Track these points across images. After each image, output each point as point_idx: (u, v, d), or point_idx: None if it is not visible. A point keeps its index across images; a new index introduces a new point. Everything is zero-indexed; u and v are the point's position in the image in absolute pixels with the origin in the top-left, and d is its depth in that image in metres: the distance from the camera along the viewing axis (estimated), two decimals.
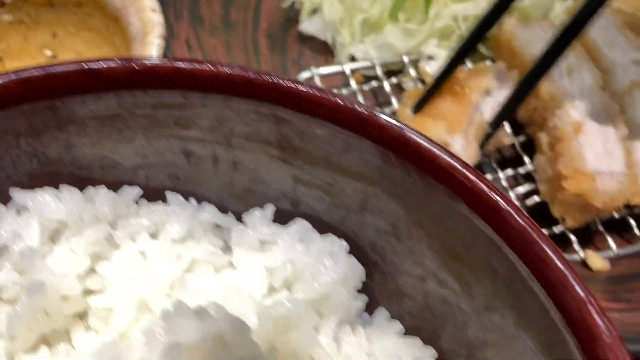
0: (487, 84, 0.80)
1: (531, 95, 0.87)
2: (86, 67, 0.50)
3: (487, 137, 0.79)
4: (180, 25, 0.85)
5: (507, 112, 0.79)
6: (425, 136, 0.49)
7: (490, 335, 0.49)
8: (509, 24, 0.92)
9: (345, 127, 0.50)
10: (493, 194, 0.46)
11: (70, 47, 0.91)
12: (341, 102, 0.50)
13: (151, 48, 0.75)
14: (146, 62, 0.50)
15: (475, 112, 0.78)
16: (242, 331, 0.43)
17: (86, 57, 0.91)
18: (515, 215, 0.45)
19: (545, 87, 0.85)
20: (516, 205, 0.46)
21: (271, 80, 0.51)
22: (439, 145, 0.48)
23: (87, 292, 0.52)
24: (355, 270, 0.54)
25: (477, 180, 0.46)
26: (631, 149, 0.81)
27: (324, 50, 1.02)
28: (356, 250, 0.56)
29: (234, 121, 0.53)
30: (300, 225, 0.55)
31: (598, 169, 0.76)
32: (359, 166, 0.52)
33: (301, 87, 0.51)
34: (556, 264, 0.44)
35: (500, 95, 0.81)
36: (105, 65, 0.50)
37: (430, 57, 0.95)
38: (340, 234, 0.56)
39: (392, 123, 0.49)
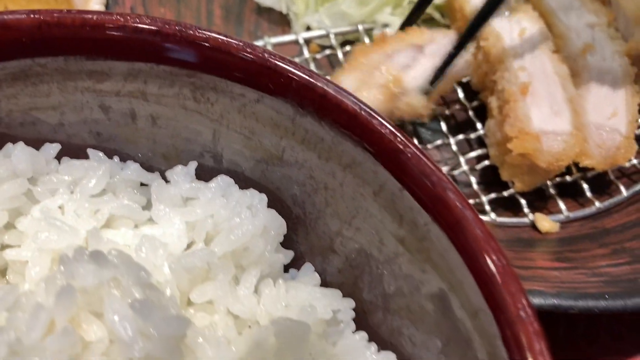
0: (416, 41, 0.80)
1: (482, 59, 0.87)
2: None
3: (426, 92, 0.78)
4: None
5: (444, 65, 0.79)
6: (332, 83, 0.48)
7: (401, 282, 0.48)
8: None
9: (257, 77, 0.50)
10: (398, 138, 0.46)
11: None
12: (250, 52, 0.50)
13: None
14: (54, 13, 0.50)
15: (387, 62, 0.78)
16: (141, 276, 0.43)
17: None
18: (419, 157, 0.45)
19: (495, 49, 0.84)
20: (419, 148, 0.45)
21: (179, 29, 0.50)
22: (345, 91, 0.48)
23: (5, 247, 0.52)
24: (276, 224, 0.54)
25: (381, 126, 0.46)
26: (580, 111, 0.80)
27: (281, 22, 1.02)
28: (279, 204, 0.56)
29: (147, 73, 0.52)
30: (222, 181, 0.55)
31: (543, 129, 0.75)
32: (273, 116, 0.51)
33: (211, 35, 0.50)
34: (456, 205, 0.43)
35: (438, 61, 0.80)
36: (13, 17, 0.50)
37: (384, 25, 0.94)
38: (263, 188, 0.55)
39: (299, 71, 0.49)
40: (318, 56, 0.93)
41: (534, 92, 0.78)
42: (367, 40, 0.95)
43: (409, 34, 0.81)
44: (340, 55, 0.92)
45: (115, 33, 0.50)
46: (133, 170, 0.56)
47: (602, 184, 0.84)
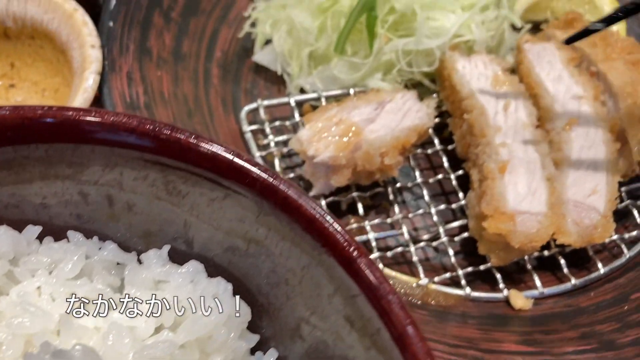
0: (377, 99, 0.83)
1: (466, 131, 0.89)
2: None
3: None
4: (124, 58, 0.88)
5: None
6: (294, 186, 0.51)
7: None
8: (450, 56, 0.94)
9: (224, 176, 0.53)
10: (352, 247, 0.48)
11: (27, 77, 0.95)
12: (219, 152, 0.52)
13: (86, 83, 0.78)
14: (37, 110, 0.53)
15: (347, 115, 0.81)
16: None
17: (42, 87, 0.95)
18: (371, 268, 0.47)
19: (478, 122, 0.86)
20: (370, 260, 0.47)
21: (152, 128, 0.53)
22: (306, 196, 0.50)
23: None
24: (241, 311, 0.56)
25: (337, 233, 0.48)
26: (559, 187, 0.81)
27: (277, 81, 1.05)
28: (245, 291, 0.58)
29: (123, 166, 0.55)
30: (192, 267, 0.58)
31: (518, 209, 0.76)
32: (239, 212, 0.54)
33: (181, 136, 0.53)
34: (399, 320, 0.45)
35: (401, 116, 0.83)
36: None
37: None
38: (230, 275, 0.58)
39: (264, 174, 0.51)
40: None
41: (512, 170, 0.80)
42: None
43: (369, 93, 0.84)
44: None
45: (93, 130, 0.53)
46: (110, 250, 0.59)
47: (580, 259, 0.85)
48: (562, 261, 0.83)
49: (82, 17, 0.85)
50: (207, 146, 0.53)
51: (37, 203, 0.59)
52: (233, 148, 0.53)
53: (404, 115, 0.82)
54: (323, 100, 0.97)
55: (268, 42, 1.05)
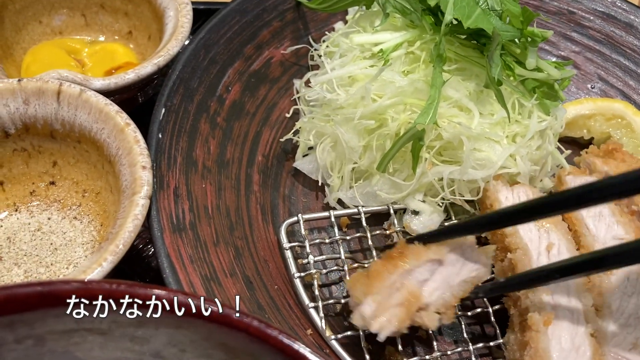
0: (435, 255, 0.82)
1: (507, 268, 0.88)
2: (44, 290, 0.52)
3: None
4: (172, 173, 0.88)
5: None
6: None
7: None
8: (494, 185, 0.94)
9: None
10: None
11: (68, 175, 0.95)
12: (289, 343, 0.52)
13: (136, 209, 0.78)
14: (103, 285, 0.53)
15: (405, 280, 0.79)
16: None
17: (83, 187, 0.95)
18: None
19: (521, 263, 0.85)
20: None
21: (217, 312, 0.53)
22: None
23: None
24: None
25: None
26: (601, 339, 0.81)
27: (315, 188, 1.05)
28: None
29: (186, 344, 0.55)
30: None
31: None
32: None
33: (249, 322, 0.53)
34: None
35: (458, 269, 0.82)
36: (63, 288, 0.53)
37: (414, 212, 0.96)
38: None
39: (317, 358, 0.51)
40: (348, 237, 0.96)
41: (556, 322, 0.79)
42: (396, 221, 0.97)
43: (428, 247, 0.83)
44: (370, 239, 0.94)
45: (159, 309, 0.53)
46: None
47: None
48: None
49: (134, 133, 0.85)
50: (276, 336, 0.52)
51: None
52: (301, 342, 0.53)
53: (462, 267, 0.81)
54: (362, 215, 0.96)
55: (309, 149, 1.05)
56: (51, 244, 0.90)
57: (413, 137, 0.90)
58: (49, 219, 0.93)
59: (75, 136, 0.91)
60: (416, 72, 0.96)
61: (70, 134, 0.91)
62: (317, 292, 0.89)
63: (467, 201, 0.97)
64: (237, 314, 0.53)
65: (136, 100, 1.10)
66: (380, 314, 0.76)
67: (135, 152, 0.83)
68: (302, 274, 0.90)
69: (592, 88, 1.24)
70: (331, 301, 0.90)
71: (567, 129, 1.16)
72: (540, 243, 0.88)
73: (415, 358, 0.84)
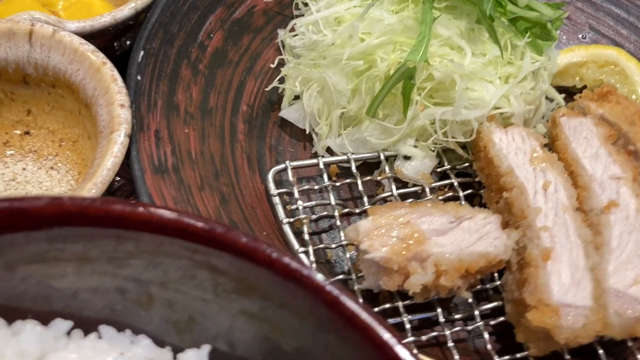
0: (454, 213, 0.78)
1: (504, 208, 0.86)
2: (15, 206, 0.48)
3: None
4: (152, 116, 0.84)
5: None
6: (363, 307, 0.47)
7: None
8: (487, 127, 0.91)
9: (282, 283, 0.49)
10: None
11: (43, 124, 0.91)
12: (279, 258, 0.48)
13: (114, 147, 0.74)
14: (77, 201, 0.49)
15: (415, 219, 0.76)
16: None
17: (60, 136, 0.91)
18: None
19: (518, 202, 0.83)
20: None
21: (206, 228, 0.49)
22: (372, 313, 0.46)
23: None
24: None
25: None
26: (601, 277, 0.78)
27: (302, 137, 1.01)
28: None
29: (168, 264, 0.51)
30: None
31: (563, 302, 0.73)
32: (295, 323, 0.50)
33: (238, 237, 0.49)
34: None
35: (474, 240, 0.77)
36: (34, 205, 0.49)
37: (406, 157, 0.93)
38: None
39: (327, 287, 0.47)
40: (338, 184, 0.92)
41: (555, 257, 0.77)
42: (387, 168, 0.94)
43: (448, 204, 0.79)
44: (360, 185, 0.91)
45: (139, 227, 0.49)
46: (144, 347, 0.55)
47: (619, 349, 0.82)
48: (601, 351, 0.80)
49: (110, 71, 0.81)
50: (265, 250, 0.49)
51: (68, 295, 0.54)
52: (290, 255, 0.49)
53: (479, 238, 0.77)
54: (352, 162, 0.93)
55: (295, 98, 1.02)
56: (26, 193, 0.86)
57: (404, 76, 0.87)
58: (24, 169, 0.89)
59: (50, 80, 0.86)
60: (405, 11, 0.93)
61: (44, 78, 0.86)
62: (307, 237, 0.85)
63: (460, 146, 0.94)
64: (221, 228, 0.49)
65: (113, 50, 1.06)
66: (376, 236, 0.73)
67: (113, 91, 0.79)
68: (291, 220, 0.87)
69: (583, 38, 1.22)
70: (321, 246, 0.86)
71: (559, 77, 1.14)
72: (537, 182, 0.85)
73: (408, 301, 0.81)
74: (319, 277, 0.48)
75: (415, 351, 0.76)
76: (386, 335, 0.46)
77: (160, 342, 0.56)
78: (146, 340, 0.55)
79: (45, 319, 0.53)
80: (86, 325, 0.55)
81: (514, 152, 0.89)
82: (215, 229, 0.49)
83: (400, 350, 0.45)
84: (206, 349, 0.54)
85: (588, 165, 0.89)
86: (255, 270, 0.50)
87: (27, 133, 0.91)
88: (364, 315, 0.47)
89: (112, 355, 0.53)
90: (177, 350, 0.55)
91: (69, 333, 0.54)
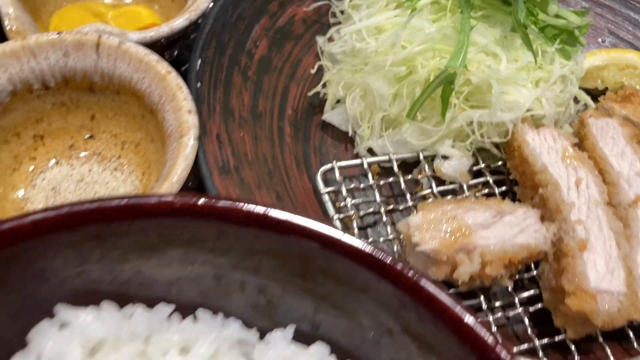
0: (496, 207, 0.84)
1: (539, 204, 0.92)
2: (131, 203, 0.55)
3: None
4: (213, 120, 0.90)
5: None
6: (441, 289, 0.53)
7: None
8: (521, 128, 0.97)
9: (367, 270, 0.55)
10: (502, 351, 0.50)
11: (106, 128, 0.97)
12: (362, 248, 0.55)
13: (186, 149, 0.80)
14: (186, 200, 0.55)
15: (461, 215, 0.82)
16: None
17: (122, 139, 0.97)
18: None
19: (553, 198, 0.89)
20: None
21: (298, 223, 0.55)
22: (452, 299, 0.53)
23: None
24: None
25: (486, 337, 0.51)
26: (632, 266, 0.85)
27: (344, 139, 1.08)
28: None
29: (264, 253, 0.57)
30: (319, 349, 0.59)
31: (600, 288, 0.80)
32: (377, 305, 0.56)
33: (326, 231, 0.55)
34: None
35: (516, 233, 0.84)
36: (147, 202, 0.55)
37: (444, 157, 1.00)
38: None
39: (410, 272, 0.54)
40: (381, 182, 0.99)
41: (590, 248, 0.83)
42: (426, 167, 1.00)
43: (491, 200, 0.86)
44: (402, 184, 0.98)
45: (240, 221, 0.56)
46: (234, 328, 0.61)
47: None
48: (631, 334, 0.87)
49: (176, 80, 0.87)
50: (349, 242, 0.55)
51: (170, 282, 0.60)
52: (374, 244, 0.55)
53: (520, 231, 0.83)
54: (394, 162, 1.00)
55: (337, 102, 1.08)
56: (95, 193, 0.92)
57: (444, 81, 0.93)
58: (89, 170, 0.95)
59: (115, 87, 0.92)
60: (443, 20, 0.99)
61: (109, 85, 0.93)
62: (356, 232, 0.92)
63: (494, 145, 1.01)
64: (312, 223, 0.56)
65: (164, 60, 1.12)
66: (427, 230, 0.79)
67: (179, 98, 0.85)
68: (341, 216, 0.93)
69: (603, 42, 1.28)
70: (369, 240, 0.93)
71: (582, 80, 1.20)
72: (569, 179, 0.92)
73: (452, 290, 0.87)
74: (400, 263, 0.54)
75: (494, 329, 0.83)
76: (464, 315, 0.52)
77: (247, 325, 0.62)
78: (236, 322, 0.62)
79: (149, 304, 0.60)
80: (181, 310, 0.61)
81: (547, 151, 0.95)
82: (307, 225, 0.56)
83: (479, 328, 0.52)
84: (291, 328, 0.61)
85: (615, 163, 0.96)
86: (341, 260, 0.56)
87: (91, 137, 0.97)
88: (443, 297, 0.53)
89: (210, 337, 0.59)
90: (263, 332, 0.62)
91: (169, 317, 0.61)
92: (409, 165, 1.03)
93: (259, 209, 0.56)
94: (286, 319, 0.62)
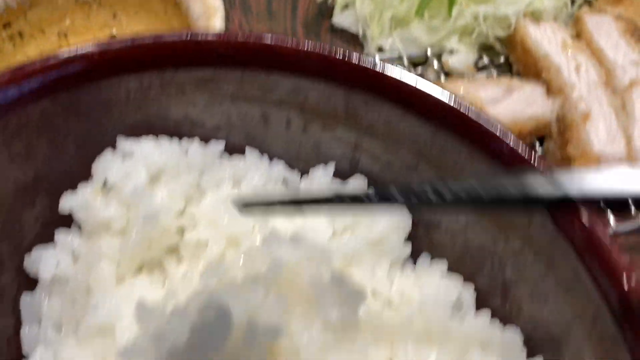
0: (505, 86, 0.91)
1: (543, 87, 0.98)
2: (190, 38, 0.59)
3: None
4: (234, 11, 0.94)
5: None
6: (473, 109, 0.58)
7: (523, 273, 0.58)
8: (522, 22, 1.03)
9: (401, 102, 0.60)
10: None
11: (128, 27, 1.00)
12: (404, 80, 0.60)
13: (215, 28, 0.84)
14: (239, 37, 0.60)
15: (473, 90, 0.88)
16: (328, 259, 0.52)
17: None
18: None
19: (555, 81, 0.95)
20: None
21: (341, 58, 0.60)
22: (483, 114, 0.58)
23: (180, 229, 0.61)
24: (405, 220, 0.64)
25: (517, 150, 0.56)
26: (630, 138, 0.92)
27: (354, 42, 1.12)
28: None
29: (309, 89, 0.62)
30: (358, 181, 0.65)
31: (603, 152, 0.87)
32: (411, 135, 0.61)
33: (367, 65, 0.60)
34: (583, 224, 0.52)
35: (524, 106, 0.90)
36: (206, 37, 0.60)
37: (451, 51, 1.05)
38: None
39: (443, 99, 0.59)
40: None
41: (592, 120, 0.90)
42: (435, 62, 1.06)
43: (499, 78, 0.91)
44: None
45: (288, 58, 0.60)
46: (279, 168, 0.66)
47: None
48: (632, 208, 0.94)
49: None
50: (393, 74, 0.60)
51: (219, 123, 0.65)
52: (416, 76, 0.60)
53: (528, 105, 0.90)
54: (404, 58, 1.05)
55: (346, 6, 1.12)
56: None
57: None
58: None
59: None
60: None
61: None
62: None
63: (497, 42, 1.07)
64: (355, 58, 0.61)
65: None
66: None
67: None
68: None
69: None
70: None
71: None
72: (569, 65, 0.98)
73: None
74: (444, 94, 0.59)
75: None
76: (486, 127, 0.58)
77: (290, 165, 0.67)
78: (280, 163, 0.67)
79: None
80: (230, 151, 0.66)
81: (547, 42, 1.01)
82: (351, 57, 0.60)
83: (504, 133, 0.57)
84: (332, 165, 0.66)
85: (610, 54, 1.03)
86: (383, 90, 0.61)
87: (113, 36, 1.01)
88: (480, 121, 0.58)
89: (258, 174, 0.64)
90: (303, 172, 0.67)
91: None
92: (416, 65, 1.08)
93: (306, 47, 0.60)
94: (325, 160, 0.67)
